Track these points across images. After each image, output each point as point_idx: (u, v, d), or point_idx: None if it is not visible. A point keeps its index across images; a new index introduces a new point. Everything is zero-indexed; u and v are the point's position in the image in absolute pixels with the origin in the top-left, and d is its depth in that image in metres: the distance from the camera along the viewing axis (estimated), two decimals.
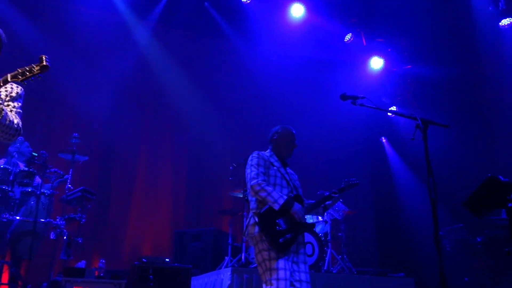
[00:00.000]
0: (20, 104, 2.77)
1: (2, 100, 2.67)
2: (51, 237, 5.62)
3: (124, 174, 7.84)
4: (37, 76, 2.41)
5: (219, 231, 6.99)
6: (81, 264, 5.79)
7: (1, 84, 2.40)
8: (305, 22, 8.20)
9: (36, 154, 5.45)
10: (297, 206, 3.31)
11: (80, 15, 7.55)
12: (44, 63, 2.40)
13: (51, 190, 5.57)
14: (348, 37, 8.63)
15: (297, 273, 3.25)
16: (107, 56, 7.67)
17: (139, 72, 7.99)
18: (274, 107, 8.52)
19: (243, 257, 6.10)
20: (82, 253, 6.40)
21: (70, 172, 5.75)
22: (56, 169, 5.64)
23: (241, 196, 6.51)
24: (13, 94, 2.77)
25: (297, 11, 8.04)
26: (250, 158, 3.56)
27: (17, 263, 5.38)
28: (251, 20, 8.20)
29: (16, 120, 2.66)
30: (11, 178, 5.31)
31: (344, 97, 3.43)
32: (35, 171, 5.49)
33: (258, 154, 3.56)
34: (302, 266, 3.32)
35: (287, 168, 3.67)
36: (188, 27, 8.42)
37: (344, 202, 6.65)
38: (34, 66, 2.41)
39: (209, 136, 8.22)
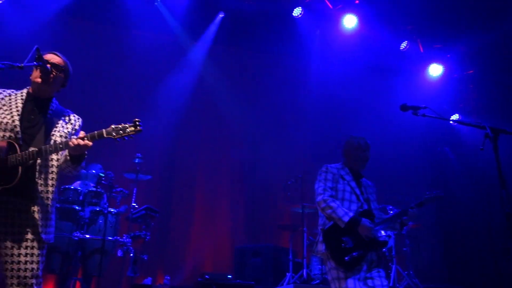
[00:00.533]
0: None
1: (69, 134, 2.80)
2: (119, 255, 5.82)
3: (184, 192, 8.03)
4: (130, 136, 2.55)
5: (279, 247, 6.97)
6: (148, 281, 5.95)
7: (96, 138, 2.54)
8: (359, 32, 8.12)
9: (103, 175, 5.70)
10: (364, 224, 3.19)
11: (137, 38, 7.90)
12: (138, 128, 2.54)
13: (117, 209, 5.80)
14: (403, 45, 8.45)
15: None
16: (165, 76, 7.96)
17: (195, 91, 8.20)
18: (330, 120, 8.45)
19: (304, 273, 6.04)
20: (147, 269, 6.57)
21: (134, 191, 5.97)
22: (121, 189, 5.87)
23: (300, 211, 6.48)
24: (76, 127, 2.90)
25: (350, 22, 7.98)
26: (318, 172, 3.48)
27: (88, 279, 5.60)
28: (303, 34, 8.23)
29: None
30: (81, 198, 5.58)
31: (404, 108, 3.31)
32: (102, 191, 5.74)
33: (326, 168, 3.49)
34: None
35: (363, 180, 3.55)
36: (240, 44, 8.57)
37: None
38: (127, 127, 2.55)
39: (265, 152, 8.27)
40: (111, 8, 7.58)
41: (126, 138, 2.57)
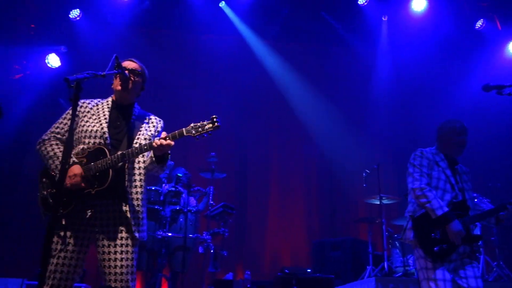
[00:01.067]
0: None
1: (153, 136, 2.93)
2: (200, 251, 6.03)
3: (259, 188, 8.12)
4: (209, 133, 2.62)
5: (358, 240, 6.85)
6: (229, 276, 6.09)
7: (177, 137, 2.65)
8: (429, 15, 7.75)
9: (181, 175, 5.92)
10: (453, 229, 2.96)
11: (205, 40, 8.11)
12: (216, 124, 2.61)
13: (196, 207, 5.99)
14: (479, 23, 7.95)
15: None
16: (233, 76, 8.10)
17: (264, 88, 8.26)
18: (405, 107, 8.16)
19: (386, 266, 5.88)
20: (227, 265, 6.74)
21: (211, 189, 6.14)
22: (199, 187, 6.07)
23: (378, 202, 6.32)
24: (159, 129, 3.03)
25: (419, 4, 7.65)
26: (412, 156, 3.30)
27: (173, 275, 5.85)
28: (370, 22, 8.00)
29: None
30: (161, 198, 5.84)
31: (487, 88, 3.10)
32: (181, 190, 5.97)
33: (421, 152, 3.29)
34: (471, 281, 2.99)
35: (458, 166, 3.32)
36: (307, 38, 8.51)
37: (492, 202, 6.05)
38: (206, 124, 2.62)
39: (339, 144, 8.13)
40: (178, 14, 7.84)
41: (205, 135, 2.64)
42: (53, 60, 7.64)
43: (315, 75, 8.49)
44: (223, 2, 7.86)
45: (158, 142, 2.63)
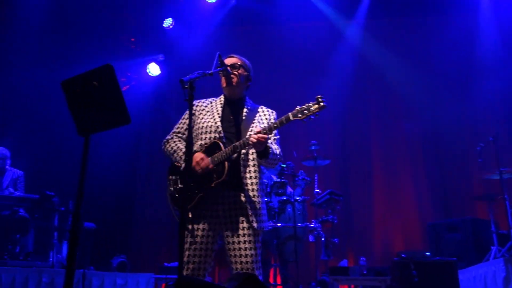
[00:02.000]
0: (276, 131, 2.97)
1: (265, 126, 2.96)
2: (310, 240, 6.04)
3: (363, 171, 7.90)
4: (315, 114, 2.61)
5: (478, 220, 6.38)
6: (344, 263, 6.04)
7: (284, 122, 2.66)
8: None
9: (284, 166, 5.97)
10: None
11: (292, 31, 8.09)
12: (322, 104, 2.59)
13: (303, 197, 6.01)
14: None
15: None
16: (325, 61, 7.98)
17: (359, 70, 8.02)
18: None
19: None
20: (339, 252, 6.68)
21: (316, 177, 6.11)
22: (303, 176, 6.07)
23: (498, 178, 5.83)
24: (272, 120, 3.04)
25: None
26: None
27: (285, 265, 5.93)
28: None
29: (278, 151, 2.93)
30: (268, 190, 5.94)
31: None
32: (286, 180, 6.02)
33: None
34: None
35: None
36: (397, 13, 8.09)
37: None
38: (311, 105, 2.62)
39: (442, 118, 7.63)
40: (264, 8, 7.89)
41: (312, 117, 2.63)
42: (154, 69, 8.14)
43: (411, 49, 8.02)
44: None
45: (251, 138, 2.66)
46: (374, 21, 8.15)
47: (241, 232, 2.77)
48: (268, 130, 2.68)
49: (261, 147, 2.72)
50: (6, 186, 5.94)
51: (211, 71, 2.68)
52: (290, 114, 2.66)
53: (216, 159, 2.78)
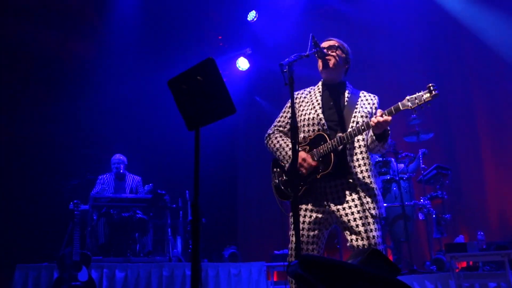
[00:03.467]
0: None
1: (370, 113, 2.88)
2: (420, 218, 5.80)
3: (469, 143, 7.35)
4: (428, 104, 2.54)
5: None
6: (460, 239, 5.72)
7: (393, 112, 2.61)
8: None
9: None
10: None
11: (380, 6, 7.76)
12: (434, 93, 2.50)
13: (408, 174, 5.78)
14: None
15: None
16: (420, 36, 7.57)
17: (456, 36, 7.47)
18: None
19: None
20: (453, 229, 6.34)
21: (420, 152, 5.84)
22: (406, 153, 5.83)
23: None
24: (376, 105, 2.97)
25: None
26: None
27: (397, 245, 5.75)
28: None
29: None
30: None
31: None
32: (389, 159, 5.83)
33: None
34: None
35: None
36: None
37: None
38: (422, 94, 2.54)
39: None
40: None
41: (423, 106, 2.55)
42: (243, 63, 8.32)
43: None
44: None
45: (375, 120, 2.60)
46: None
47: (357, 216, 2.71)
48: (388, 114, 2.61)
49: (381, 130, 2.66)
50: (130, 191, 6.41)
51: (307, 52, 2.66)
52: (399, 104, 2.61)
53: (321, 151, 2.77)
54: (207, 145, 7.56)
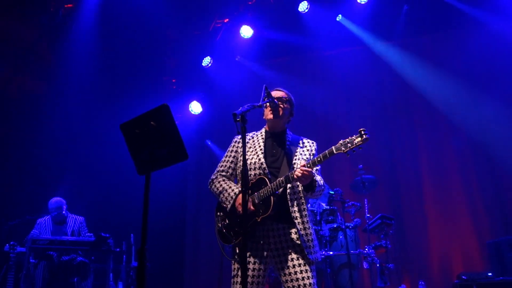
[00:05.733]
0: None
1: (308, 160, 3.00)
2: (365, 267, 5.90)
3: (413, 193, 7.67)
4: (359, 147, 2.66)
5: None
6: None
7: (328, 156, 2.72)
8: None
9: (333, 192, 5.93)
10: None
11: (328, 58, 8.17)
12: (365, 137, 2.64)
13: (353, 222, 5.92)
14: None
15: None
16: (366, 85, 7.99)
17: (401, 90, 7.93)
18: None
19: None
20: (396, 278, 6.48)
21: (365, 202, 6.02)
22: (353, 202, 6.00)
23: None
24: (313, 152, 3.11)
25: None
26: None
27: None
28: None
29: (322, 181, 2.98)
30: (318, 218, 5.88)
31: None
32: (336, 207, 5.96)
33: None
34: None
35: None
36: (434, 28, 7.97)
37: None
38: (354, 138, 2.68)
39: (492, 133, 7.32)
40: (300, 39, 8.01)
41: (355, 150, 2.67)
42: (195, 107, 8.38)
43: (452, 64, 7.83)
44: (340, 15, 7.84)
45: (296, 173, 2.71)
46: (413, 38, 8.08)
47: (296, 262, 2.78)
48: (312, 164, 2.72)
49: (306, 181, 2.76)
50: (71, 233, 6.13)
51: (260, 103, 2.76)
52: (333, 147, 2.72)
53: (262, 194, 2.84)
54: (155, 187, 7.39)
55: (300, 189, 2.93)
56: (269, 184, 2.84)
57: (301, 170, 2.68)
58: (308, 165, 2.72)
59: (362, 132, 2.64)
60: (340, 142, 2.71)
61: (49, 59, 7.66)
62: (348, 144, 2.67)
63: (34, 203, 6.71)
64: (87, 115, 7.64)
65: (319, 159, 2.72)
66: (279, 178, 2.83)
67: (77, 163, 7.61)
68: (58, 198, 6.31)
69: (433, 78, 7.74)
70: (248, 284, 2.80)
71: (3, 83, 7.18)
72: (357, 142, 2.64)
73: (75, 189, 6.78)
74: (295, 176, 2.71)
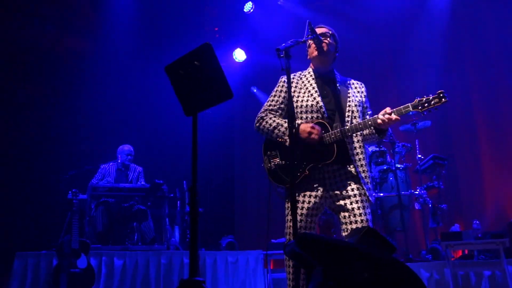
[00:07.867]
0: (368, 104, 3.06)
1: (361, 102, 2.96)
2: (416, 208, 5.84)
3: (466, 132, 7.36)
4: (435, 108, 2.64)
5: None
6: (455, 228, 5.77)
7: (403, 113, 2.68)
8: None
9: None
10: None
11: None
12: (444, 100, 2.61)
13: (404, 164, 5.81)
14: None
15: None
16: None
17: (453, 25, 7.48)
18: None
19: None
20: (449, 219, 6.38)
21: (417, 142, 5.87)
22: (403, 143, 5.86)
23: None
24: (365, 93, 3.07)
25: None
26: None
27: (392, 235, 5.79)
28: None
29: None
30: (367, 160, 5.80)
31: None
32: (385, 149, 5.85)
33: None
34: None
35: None
36: None
37: None
38: (431, 99, 2.64)
39: None
40: None
41: (431, 110, 2.65)
42: (239, 54, 8.32)
43: None
44: None
45: (385, 118, 2.65)
46: None
47: (353, 200, 2.77)
48: (398, 113, 2.67)
49: (387, 127, 2.73)
50: (130, 181, 6.43)
51: (304, 38, 2.68)
52: (410, 105, 2.68)
53: (326, 140, 2.78)
54: (204, 136, 7.58)
55: (359, 138, 2.89)
56: (330, 130, 2.78)
57: (389, 115, 2.65)
58: (394, 113, 2.67)
59: (441, 94, 2.62)
60: (417, 100, 2.67)
61: (92, 16, 7.76)
62: (425, 104, 2.64)
63: (92, 154, 7.05)
64: (133, 67, 7.77)
65: (400, 112, 2.68)
66: (355, 123, 2.77)
67: (128, 114, 7.83)
68: (128, 145, 6.58)
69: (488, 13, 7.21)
70: (302, 222, 2.76)
71: (52, 44, 7.38)
72: (434, 103, 2.63)
73: (128, 139, 7.00)
74: (379, 121, 2.66)
